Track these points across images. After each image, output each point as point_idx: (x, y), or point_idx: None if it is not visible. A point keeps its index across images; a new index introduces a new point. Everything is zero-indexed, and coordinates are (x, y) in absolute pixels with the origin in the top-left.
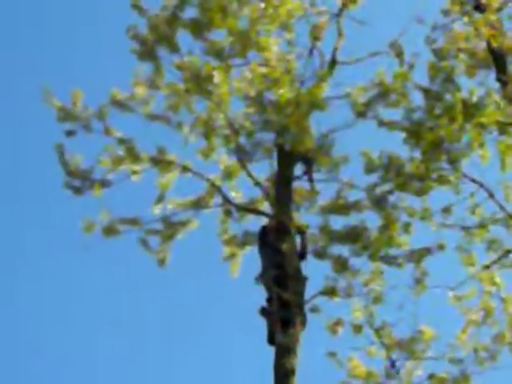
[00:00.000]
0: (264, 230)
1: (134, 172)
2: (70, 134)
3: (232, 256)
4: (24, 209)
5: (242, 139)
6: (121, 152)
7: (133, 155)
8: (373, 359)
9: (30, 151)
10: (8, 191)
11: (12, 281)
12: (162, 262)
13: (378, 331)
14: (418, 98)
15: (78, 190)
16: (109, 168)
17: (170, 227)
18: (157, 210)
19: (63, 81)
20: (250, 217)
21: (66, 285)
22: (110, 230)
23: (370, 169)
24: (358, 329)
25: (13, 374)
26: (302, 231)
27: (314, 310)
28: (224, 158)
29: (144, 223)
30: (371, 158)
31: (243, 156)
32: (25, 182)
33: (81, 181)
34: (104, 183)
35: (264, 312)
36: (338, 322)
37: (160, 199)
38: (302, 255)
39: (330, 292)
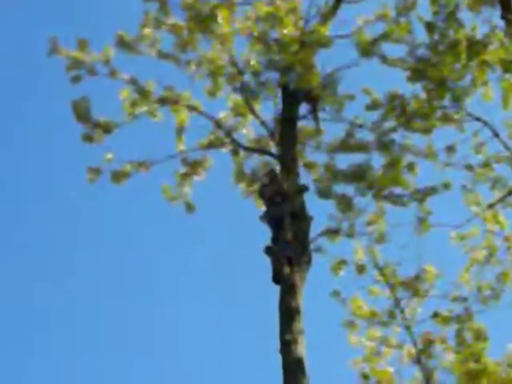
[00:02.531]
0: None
1: (152, 113)
2: (76, 79)
3: (249, 192)
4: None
5: (247, 78)
6: (134, 95)
7: (143, 95)
8: (376, 299)
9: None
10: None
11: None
12: (190, 208)
13: (381, 270)
14: (421, 35)
15: (90, 138)
16: (127, 112)
17: (189, 166)
18: (176, 149)
19: (69, 30)
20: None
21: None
22: (119, 175)
23: (372, 106)
24: (361, 269)
25: None
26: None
27: (317, 249)
28: (231, 97)
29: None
30: (374, 96)
31: (248, 95)
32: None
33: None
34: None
35: (269, 251)
36: (341, 262)
37: (178, 138)
38: None
39: (334, 232)
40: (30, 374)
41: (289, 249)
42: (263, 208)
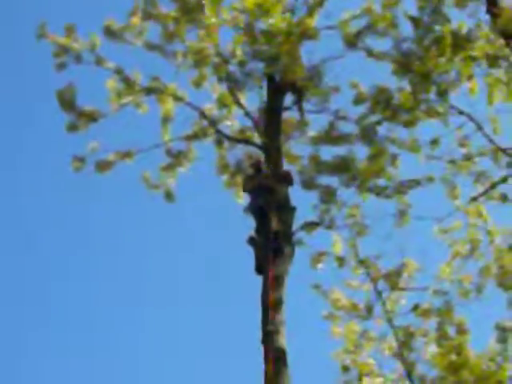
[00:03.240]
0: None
1: (137, 103)
2: (61, 66)
3: (232, 183)
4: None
5: (233, 68)
6: (120, 85)
7: (129, 85)
8: (357, 291)
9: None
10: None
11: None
12: (169, 196)
13: (362, 263)
14: (407, 29)
15: (74, 127)
16: (113, 102)
17: (174, 157)
18: (161, 140)
19: (58, 17)
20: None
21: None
22: (104, 164)
23: (358, 100)
24: (341, 261)
25: None
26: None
27: (298, 242)
28: (216, 88)
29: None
30: (360, 89)
31: (233, 85)
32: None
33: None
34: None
35: (252, 241)
36: (321, 254)
37: (164, 128)
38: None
39: (313, 224)
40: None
41: (272, 240)
42: (245, 200)
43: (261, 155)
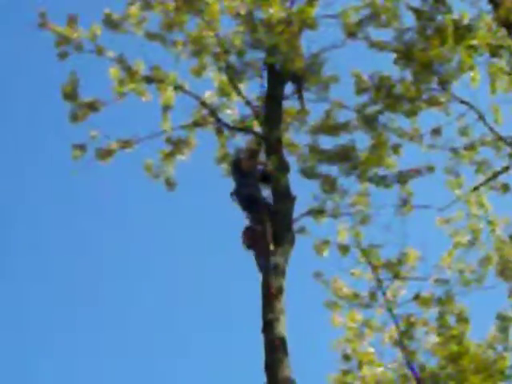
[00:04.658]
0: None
1: (139, 92)
2: (63, 55)
3: None
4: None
5: (233, 58)
6: (122, 74)
7: (130, 74)
8: (359, 280)
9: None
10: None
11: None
12: (170, 184)
13: (364, 252)
14: (409, 20)
15: (77, 117)
16: (115, 91)
17: (174, 145)
18: (163, 128)
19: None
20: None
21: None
22: (105, 152)
23: (360, 89)
24: (344, 249)
25: None
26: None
27: (301, 230)
28: (217, 77)
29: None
30: (362, 79)
31: (233, 75)
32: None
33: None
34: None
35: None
36: (325, 243)
37: (164, 117)
38: None
39: (318, 212)
40: None
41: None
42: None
43: (258, 144)
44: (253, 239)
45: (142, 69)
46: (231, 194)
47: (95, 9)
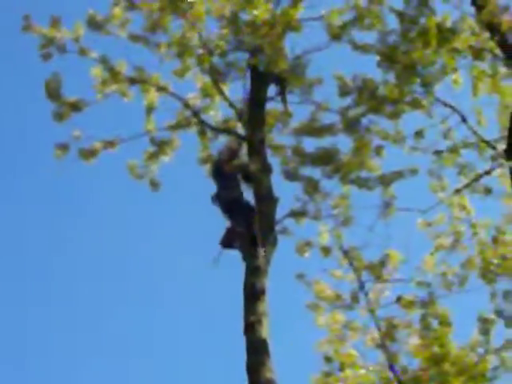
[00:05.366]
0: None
1: (123, 92)
2: (47, 56)
3: None
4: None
5: (216, 59)
6: (106, 74)
7: (113, 74)
8: (341, 282)
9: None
10: None
11: None
12: (154, 185)
13: (346, 253)
14: (392, 22)
15: (60, 117)
16: (98, 91)
17: (157, 146)
18: (146, 129)
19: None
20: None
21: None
22: (88, 152)
23: (343, 92)
24: (326, 251)
25: None
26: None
27: (283, 231)
28: (200, 78)
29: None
30: (345, 81)
31: (217, 76)
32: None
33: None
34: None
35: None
36: (307, 244)
37: (148, 118)
38: None
39: (300, 214)
40: None
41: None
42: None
43: (238, 144)
44: (232, 240)
45: (125, 69)
46: (212, 198)
47: (79, 10)
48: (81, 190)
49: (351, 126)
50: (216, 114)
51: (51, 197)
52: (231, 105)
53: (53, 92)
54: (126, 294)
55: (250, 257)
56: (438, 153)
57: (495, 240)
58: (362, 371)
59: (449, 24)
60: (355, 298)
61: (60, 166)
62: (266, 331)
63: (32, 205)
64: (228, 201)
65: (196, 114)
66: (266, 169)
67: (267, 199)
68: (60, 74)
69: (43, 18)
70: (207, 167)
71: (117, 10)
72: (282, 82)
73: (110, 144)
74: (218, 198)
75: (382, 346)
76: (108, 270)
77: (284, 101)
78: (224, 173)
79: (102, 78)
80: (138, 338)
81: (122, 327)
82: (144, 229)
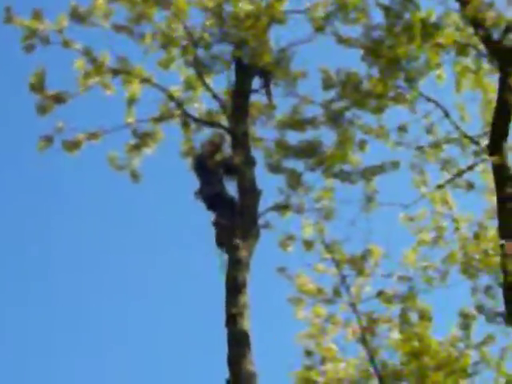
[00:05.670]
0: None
1: (105, 85)
2: (29, 48)
3: None
4: None
5: (200, 51)
6: (89, 66)
7: (96, 66)
8: (323, 276)
9: None
10: None
11: None
12: (135, 177)
13: (328, 247)
14: (377, 17)
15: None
16: (81, 83)
17: (140, 138)
18: (126, 121)
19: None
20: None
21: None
22: (72, 144)
23: (327, 85)
24: (309, 245)
25: None
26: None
27: (265, 225)
28: (184, 70)
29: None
30: (329, 75)
31: (201, 68)
32: None
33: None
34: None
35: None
36: (290, 238)
37: (129, 110)
38: None
39: (283, 207)
40: None
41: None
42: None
43: (221, 137)
44: (223, 235)
45: (108, 61)
46: (195, 193)
47: (62, 1)
48: (64, 182)
49: (335, 119)
50: (200, 106)
51: (34, 188)
52: (215, 97)
53: (36, 85)
54: (106, 285)
55: (231, 250)
56: (420, 148)
57: (477, 235)
58: (343, 365)
59: (433, 19)
60: (337, 292)
61: (43, 158)
62: (247, 324)
63: (15, 196)
64: (211, 196)
65: (180, 105)
66: (250, 161)
67: (250, 192)
68: (44, 66)
69: (25, 10)
70: (190, 160)
71: (100, 2)
72: (266, 75)
73: (93, 136)
74: (200, 194)
75: (362, 340)
76: (88, 262)
77: (268, 93)
78: (206, 168)
79: (84, 70)
80: (117, 330)
81: (101, 319)
82: (126, 220)
